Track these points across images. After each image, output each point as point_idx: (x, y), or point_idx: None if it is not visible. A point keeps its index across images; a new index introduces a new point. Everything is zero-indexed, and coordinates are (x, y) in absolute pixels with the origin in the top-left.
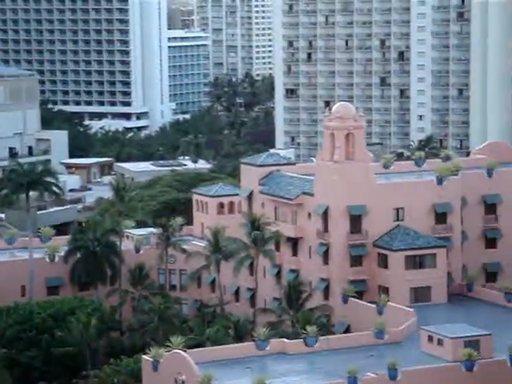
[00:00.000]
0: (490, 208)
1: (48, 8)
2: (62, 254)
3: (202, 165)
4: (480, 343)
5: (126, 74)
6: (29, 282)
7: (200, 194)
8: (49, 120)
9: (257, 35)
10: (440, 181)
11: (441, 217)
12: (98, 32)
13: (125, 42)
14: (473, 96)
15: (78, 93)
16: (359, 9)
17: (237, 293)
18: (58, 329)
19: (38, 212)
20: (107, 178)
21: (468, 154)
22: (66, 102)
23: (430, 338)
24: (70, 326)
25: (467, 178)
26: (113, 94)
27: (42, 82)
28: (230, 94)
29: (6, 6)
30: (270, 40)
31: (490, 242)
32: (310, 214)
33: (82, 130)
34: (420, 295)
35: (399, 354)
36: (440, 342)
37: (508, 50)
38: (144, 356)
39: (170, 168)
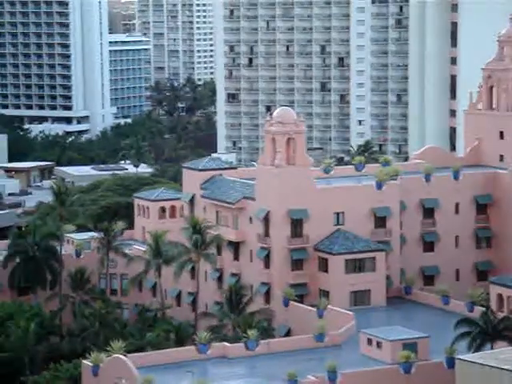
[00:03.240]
0: (428, 212)
1: None
2: (1, 258)
3: (144, 169)
4: (418, 345)
5: (67, 77)
6: None
7: (141, 199)
8: None
9: (198, 40)
10: (379, 185)
11: (380, 221)
12: (38, 35)
13: (65, 46)
14: (411, 102)
15: (17, 96)
16: (300, 15)
17: (178, 297)
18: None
19: None
20: (47, 182)
21: (406, 159)
22: (5, 106)
23: (369, 341)
24: (8, 331)
25: (406, 183)
26: (53, 97)
27: None
28: (172, 98)
29: None
30: (211, 45)
31: (428, 246)
32: (251, 219)
33: (21, 133)
34: (359, 298)
35: (339, 357)
36: (379, 345)
37: (445, 57)
38: (84, 361)
39: (111, 172)
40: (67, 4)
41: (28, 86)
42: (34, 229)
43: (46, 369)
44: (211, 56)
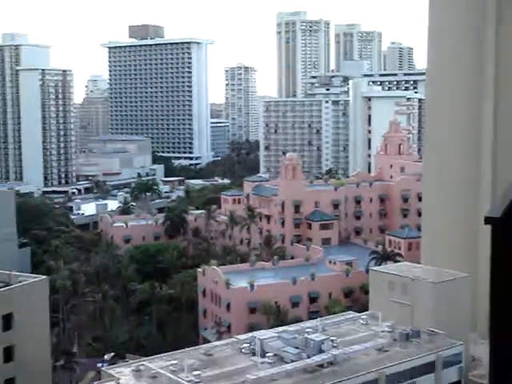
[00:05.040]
0: (358, 202)
1: (157, 109)
2: (161, 221)
3: (226, 181)
4: (352, 263)
5: (191, 138)
6: (145, 234)
7: (225, 194)
8: (155, 160)
9: (251, 121)
10: (335, 189)
11: (336, 206)
12: (178, 119)
13: (190, 124)
14: (351, 152)
15: (168, 147)
16: (298, 109)
17: (241, 241)
18: (160, 256)
19: (151, 202)
20: (182, 187)
21: (347, 177)
22: (162, 151)
23: (330, 261)
24: (164, 255)
25: (347, 188)
26: (184, 147)
27: (152, 142)
28: (238, 148)
29: (137, 106)
30: (257, 123)
31: (357, 217)
32: (275, 204)
33: (169, 165)
34: (325, 242)
35: (316, 269)
36: (334, 263)
37: (365, 130)
38: (198, 269)
39: (210, 182)
40: (191, 106)
41: (173, 143)
42: (175, 208)
43: (180, 273)
44: (257, 129)
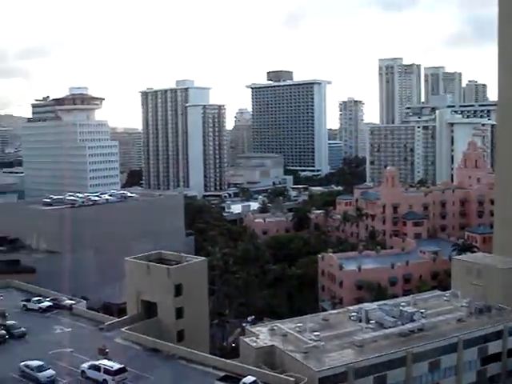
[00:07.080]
0: (443, 205)
1: (288, 133)
2: (290, 218)
3: (340, 188)
4: (438, 253)
5: (313, 155)
6: (278, 227)
7: (339, 198)
8: (286, 172)
9: (360, 142)
10: (425, 194)
11: (425, 207)
12: (303, 141)
13: (312, 145)
14: (439, 165)
15: (296, 162)
16: (396, 133)
17: (351, 234)
18: (289, 244)
19: (283, 204)
20: (306, 192)
21: (434, 185)
22: (292, 165)
23: (420, 251)
24: (293, 243)
25: (435, 194)
26: (308, 162)
27: (283, 158)
28: (348, 162)
29: (273, 131)
30: (364, 143)
31: (443, 217)
32: (378, 206)
33: (297, 175)
34: (417, 236)
35: (409, 257)
36: (424, 252)
37: (449, 150)
38: (318, 255)
39: (328, 189)
40: (313, 131)
41: (300, 158)
42: (301, 208)
43: (305, 257)
44: (364, 148)
